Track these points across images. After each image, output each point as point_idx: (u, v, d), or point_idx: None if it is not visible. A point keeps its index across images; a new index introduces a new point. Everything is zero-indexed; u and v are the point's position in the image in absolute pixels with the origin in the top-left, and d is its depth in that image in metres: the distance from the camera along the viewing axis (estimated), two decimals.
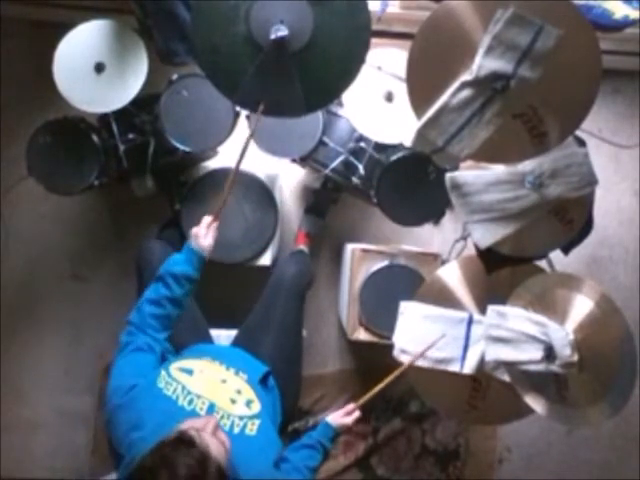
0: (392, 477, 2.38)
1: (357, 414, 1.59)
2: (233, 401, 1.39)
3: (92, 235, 2.35)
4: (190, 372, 1.42)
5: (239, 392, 1.43)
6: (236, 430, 1.32)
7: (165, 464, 1.07)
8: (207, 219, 1.50)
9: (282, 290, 1.77)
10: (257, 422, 1.37)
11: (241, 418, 1.35)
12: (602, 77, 1.29)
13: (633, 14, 1.78)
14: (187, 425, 1.18)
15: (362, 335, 1.98)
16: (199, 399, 1.34)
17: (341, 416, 1.58)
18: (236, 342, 1.78)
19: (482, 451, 2.45)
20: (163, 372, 1.39)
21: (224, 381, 1.44)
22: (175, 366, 1.43)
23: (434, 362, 1.57)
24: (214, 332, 1.84)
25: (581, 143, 1.52)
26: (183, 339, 1.67)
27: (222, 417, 1.32)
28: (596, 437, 2.46)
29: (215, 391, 1.39)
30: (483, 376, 1.56)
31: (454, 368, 1.57)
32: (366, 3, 1.27)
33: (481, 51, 1.26)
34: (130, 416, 1.29)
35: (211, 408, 1.33)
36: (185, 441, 1.09)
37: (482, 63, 1.27)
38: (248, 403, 1.41)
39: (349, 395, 2.34)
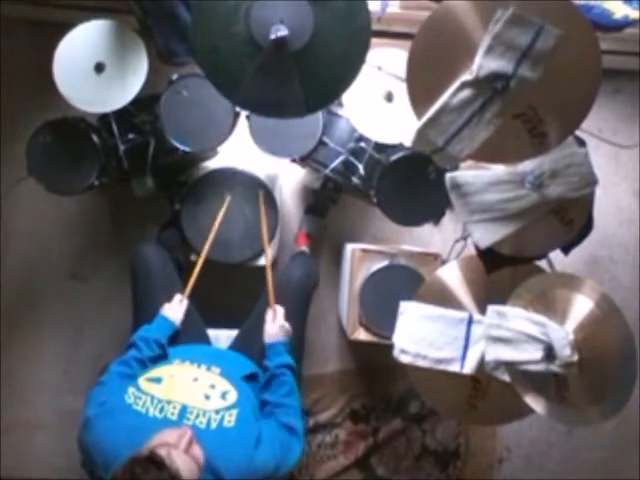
0: (392, 477, 2.38)
1: (281, 310, 1.71)
2: (207, 397, 1.40)
3: (92, 235, 2.35)
4: (159, 380, 1.43)
5: (213, 386, 1.44)
6: (213, 425, 1.34)
7: None
8: (178, 296, 1.72)
9: (288, 293, 1.78)
10: (235, 411, 1.38)
11: (217, 412, 1.36)
12: (602, 77, 1.29)
13: (633, 14, 1.79)
14: (159, 440, 1.18)
15: (362, 335, 1.98)
16: (170, 405, 1.35)
17: (271, 323, 1.69)
18: (236, 343, 1.78)
19: (482, 451, 2.45)
20: (131, 388, 1.40)
21: (196, 379, 1.46)
22: (143, 378, 1.44)
23: (434, 362, 1.57)
24: (213, 332, 1.84)
25: (581, 143, 1.52)
26: (178, 341, 1.69)
27: (197, 416, 1.34)
28: (596, 437, 2.46)
29: (186, 392, 1.40)
30: (483, 376, 1.55)
31: (454, 368, 1.56)
32: (366, 3, 1.27)
33: (481, 51, 1.26)
34: (103, 436, 1.30)
35: (183, 410, 1.34)
36: (156, 462, 1.10)
37: (482, 63, 1.26)
38: (223, 395, 1.43)
39: (349, 395, 2.35)
